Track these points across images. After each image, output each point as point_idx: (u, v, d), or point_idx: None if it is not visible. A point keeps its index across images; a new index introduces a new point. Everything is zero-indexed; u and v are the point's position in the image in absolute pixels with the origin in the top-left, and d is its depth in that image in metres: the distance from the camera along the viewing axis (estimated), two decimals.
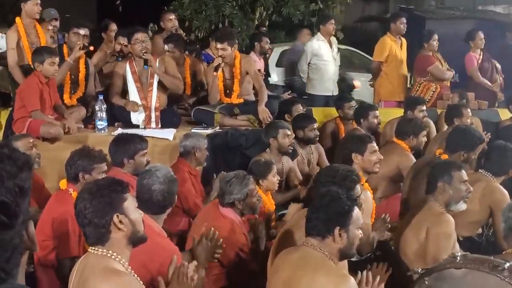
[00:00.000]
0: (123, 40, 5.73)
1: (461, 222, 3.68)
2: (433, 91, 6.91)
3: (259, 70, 5.93)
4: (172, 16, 6.80)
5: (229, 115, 5.44)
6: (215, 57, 5.84)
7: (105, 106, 4.95)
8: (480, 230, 4.18)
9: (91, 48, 5.61)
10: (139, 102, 5.16)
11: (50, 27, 6.02)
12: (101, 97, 4.98)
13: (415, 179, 4.39)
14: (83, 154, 3.51)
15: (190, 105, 5.93)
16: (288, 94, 7.19)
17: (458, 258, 2.52)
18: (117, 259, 2.22)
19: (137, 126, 5.17)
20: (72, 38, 5.36)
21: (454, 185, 3.35)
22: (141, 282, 2.30)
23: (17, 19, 5.29)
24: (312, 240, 2.53)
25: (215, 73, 5.38)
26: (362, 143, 3.79)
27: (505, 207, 2.93)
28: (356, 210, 2.55)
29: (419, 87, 7.03)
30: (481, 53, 7.36)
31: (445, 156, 4.24)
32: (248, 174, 3.70)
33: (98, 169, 3.49)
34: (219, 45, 5.37)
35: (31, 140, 4.16)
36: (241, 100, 5.50)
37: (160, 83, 5.22)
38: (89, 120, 5.21)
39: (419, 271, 2.62)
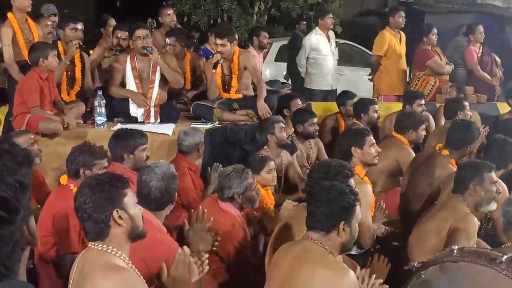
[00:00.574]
0: (120, 34, 5.72)
1: None
2: (432, 85, 6.92)
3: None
4: (170, 11, 6.79)
5: (228, 110, 5.44)
6: (213, 52, 5.84)
7: (104, 101, 4.95)
8: (479, 224, 4.19)
9: (90, 51, 5.60)
10: None
11: (49, 23, 6.01)
12: (100, 93, 4.98)
13: (414, 173, 4.40)
14: (84, 150, 3.51)
15: (189, 100, 5.93)
16: (288, 89, 7.19)
17: (455, 251, 2.52)
18: (117, 254, 2.22)
19: (135, 119, 5.17)
20: (70, 33, 5.28)
21: (485, 187, 3.35)
22: (142, 277, 2.30)
23: (9, 15, 5.26)
24: (313, 234, 2.54)
25: (213, 70, 5.37)
26: (361, 136, 3.82)
27: (504, 201, 2.93)
28: (357, 204, 2.58)
29: (418, 81, 7.04)
30: (481, 47, 7.36)
31: (445, 152, 4.25)
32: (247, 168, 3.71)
33: (99, 165, 3.49)
34: (218, 41, 5.36)
35: (32, 136, 4.16)
36: (240, 95, 5.50)
37: (161, 79, 5.21)
38: (88, 116, 5.21)
39: (415, 264, 2.62)
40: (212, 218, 3.02)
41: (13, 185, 1.41)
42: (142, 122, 5.15)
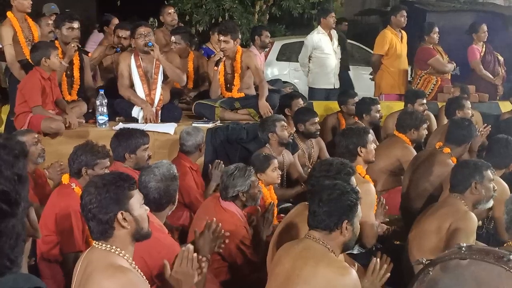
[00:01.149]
0: (121, 33, 5.72)
1: None
2: (434, 84, 6.92)
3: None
4: (172, 10, 6.80)
5: (230, 109, 5.45)
6: (215, 51, 5.84)
7: (106, 101, 4.95)
8: (480, 223, 4.19)
9: (89, 54, 5.58)
10: (144, 97, 5.15)
11: (50, 22, 6.00)
12: (101, 92, 4.98)
13: (415, 172, 4.40)
14: (86, 149, 3.51)
15: (191, 99, 5.93)
16: (289, 89, 7.19)
17: (464, 249, 2.52)
18: (121, 254, 2.22)
19: (137, 120, 5.17)
20: (66, 32, 5.11)
21: (485, 184, 3.36)
22: (145, 278, 2.30)
23: (9, 14, 5.25)
24: (315, 233, 2.55)
25: (216, 67, 5.37)
26: (365, 135, 3.83)
27: (508, 200, 2.92)
28: (359, 203, 2.59)
29: (419, 80, 7.04)
30: (484, 46, 7.35)
31: (446, 150, 4.25)
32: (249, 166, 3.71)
33: (101, 165, 3.49)
34: (222, 37, 5.36)
35: (35, 135, 4.16)
36: (242, 94, 5.51)
37: (163, 80, 5.20)
38: (90, 116, 5.20)
39: (423, 261, 2.62)
40: (220, 224, 2.99)
41: (12, 178, 1.42)
42: (144, 122, 5.15)
